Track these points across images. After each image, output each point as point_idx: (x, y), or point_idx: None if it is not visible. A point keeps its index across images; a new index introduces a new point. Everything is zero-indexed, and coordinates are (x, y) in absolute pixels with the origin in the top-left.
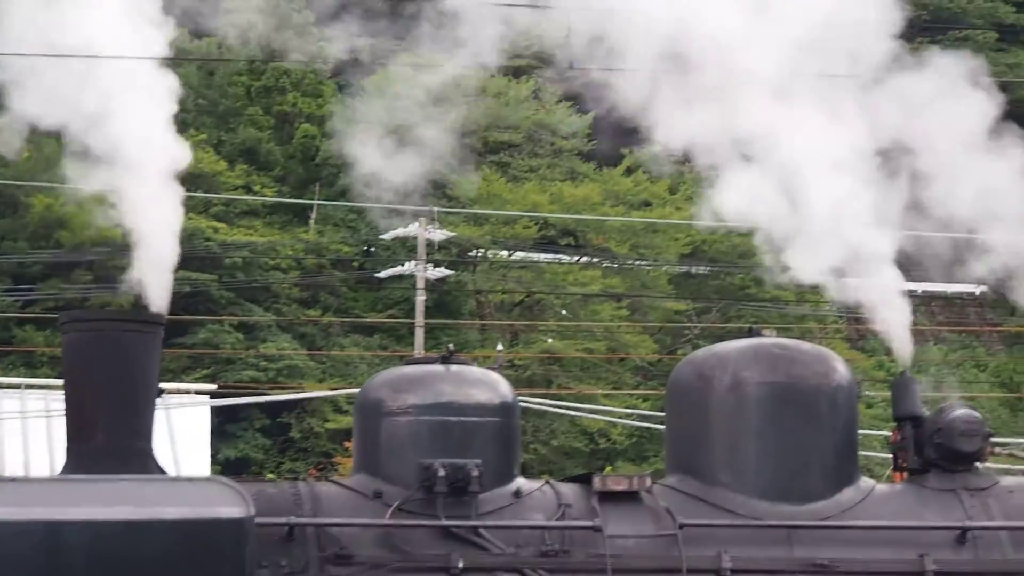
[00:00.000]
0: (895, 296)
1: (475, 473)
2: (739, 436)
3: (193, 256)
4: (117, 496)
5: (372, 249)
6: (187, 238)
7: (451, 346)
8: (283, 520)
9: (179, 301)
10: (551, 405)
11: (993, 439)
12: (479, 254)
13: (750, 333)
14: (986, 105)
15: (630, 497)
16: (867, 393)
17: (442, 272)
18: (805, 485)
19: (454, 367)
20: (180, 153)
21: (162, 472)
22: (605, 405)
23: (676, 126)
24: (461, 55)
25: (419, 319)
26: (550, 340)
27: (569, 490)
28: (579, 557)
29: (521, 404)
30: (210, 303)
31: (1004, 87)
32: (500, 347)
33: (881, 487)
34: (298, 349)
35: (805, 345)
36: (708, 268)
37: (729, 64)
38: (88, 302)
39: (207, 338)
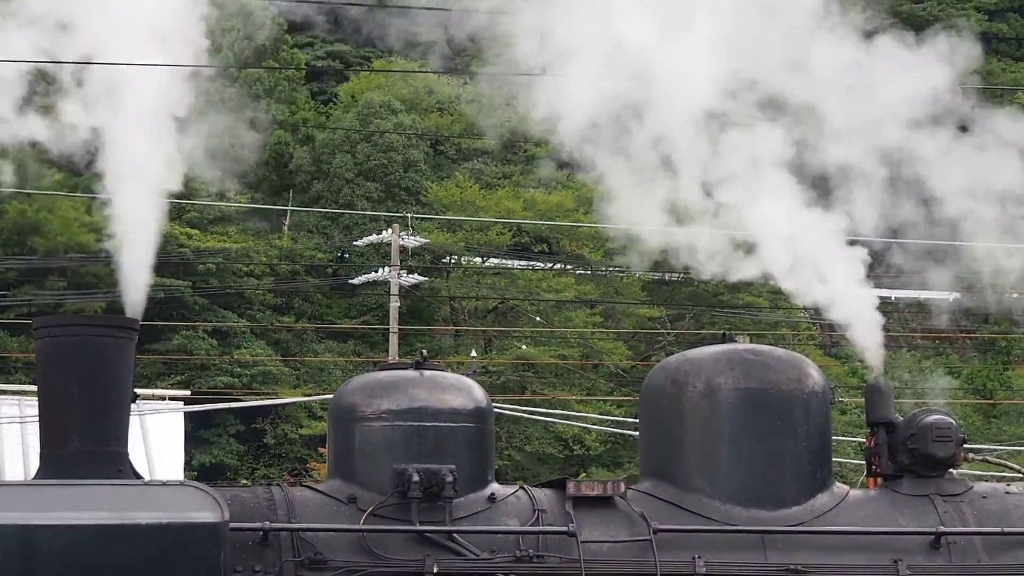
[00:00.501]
0: (866, 302)
1: (449, 478)
2: (713, 442)
3: (167, 262)
4: (91, 501)
5: (346, 255)
6: (161, 244)
7: (424, 351)
8: (257, 525)
9: (153, 307)
10: (525, 411)
11: (966, 445)
12: (453, 260)
13: (724, 339)
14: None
15: (604, 502)
16: (841, 399)
17: (416, 278)
18: (779, 491)
19: (428, 372)
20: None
21: (137, 477)
22: (579, 411)
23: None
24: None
25: (393, 325)
26: (524, 346)
27: (543, 495)
28: (553, 562)
29: (495, 410)
30: (184, 309)
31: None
32: (474, 353)
33: (855, 493)
34: (272, 355)
35: (779, 351)
36: (681, 275)
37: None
38: (62, 308)
39: (181, 344)
